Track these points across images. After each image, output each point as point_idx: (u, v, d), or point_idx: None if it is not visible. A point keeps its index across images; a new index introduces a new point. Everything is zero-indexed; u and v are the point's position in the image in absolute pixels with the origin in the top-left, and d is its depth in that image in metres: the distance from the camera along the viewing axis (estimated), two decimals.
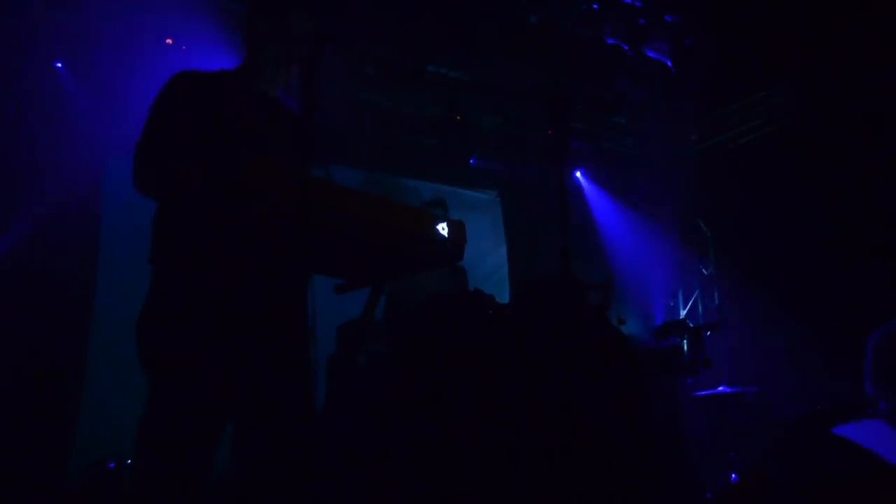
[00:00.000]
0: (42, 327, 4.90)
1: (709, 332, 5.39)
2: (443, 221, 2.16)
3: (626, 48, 6.22)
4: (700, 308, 7.85)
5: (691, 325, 4.96)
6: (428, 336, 2.73)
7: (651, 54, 6.46)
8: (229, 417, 2.12)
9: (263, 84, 2.38)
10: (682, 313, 7.83)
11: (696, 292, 7.90)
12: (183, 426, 2.00)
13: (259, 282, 2.12)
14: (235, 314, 2.07)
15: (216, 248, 2.05)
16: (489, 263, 7.37)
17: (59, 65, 5.49)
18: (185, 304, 2.04)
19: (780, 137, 7.10)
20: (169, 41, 5.58)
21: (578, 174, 8.03)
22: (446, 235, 2.15)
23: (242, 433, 2.13)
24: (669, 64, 6.50)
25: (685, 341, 5.90)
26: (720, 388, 5.90)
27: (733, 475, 5.74)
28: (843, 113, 6.41)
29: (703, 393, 6.10)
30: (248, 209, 1.87)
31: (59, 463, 4.82)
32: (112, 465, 4.56)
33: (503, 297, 6.77)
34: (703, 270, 7.89)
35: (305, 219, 1.85)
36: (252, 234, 2.02)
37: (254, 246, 2.08)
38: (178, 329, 2.04)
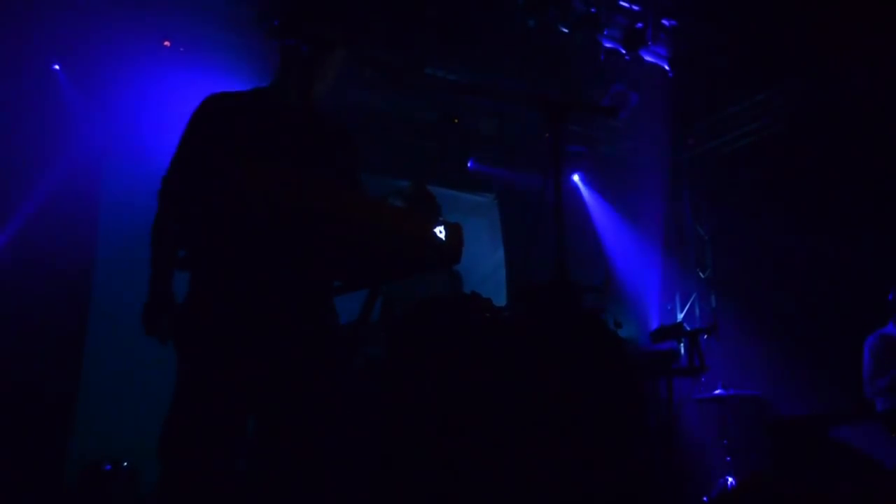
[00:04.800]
0: (38, 329, 4.90)
1: (705, 336, 5.39)
2: (440, 224, 2.17)
3: (624, 52, 6.23)
4: (697, 311, 7.86)
5: (688, 329, 4.97)
6: (424, 339, 2.73)
7: (648, 58, 6.47)
8: (251, 411, 2.20)
9: (294, 101, 2.42)
10: (679, 316, 7.84)
11: (693, 295, 7.91)
12: (207, 419, 2.08)
13: (284, 282, 2.22)
14: (261, 312, 2.16)
15: (243, 253, 2.14)
16: (487, 266, 7.38)
17: (57, 66, 5.50)
18: (213, 301, 2.16)
19: (778, 141, 7.11)
20: (167, 43, 5.59)
21: (576, 177, 8.05)
22: (443, 238, 2.16)
23: (263, 428, 2.21)
24: (667, 68, 6.51)
25: (682, 345, 5.90)
26: (717, 391, 5.91)
27: (730, 479, 5.75)
28: (840, 116, 6.43)
29: (701, 396, 6.12)
30: (278, 221, 1.92)
31: (56, 464, 4.81)
32: (108, 466, 4.56)
33: (500, 299, 6.77)
34: (700, 274, 7.90)
35: (306, 220, 1.89)
36: (279, 238, 2.08)
37: (281, 249, 2.15)
38: (206, 322, 2.15)
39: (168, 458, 2.07)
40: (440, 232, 2.16)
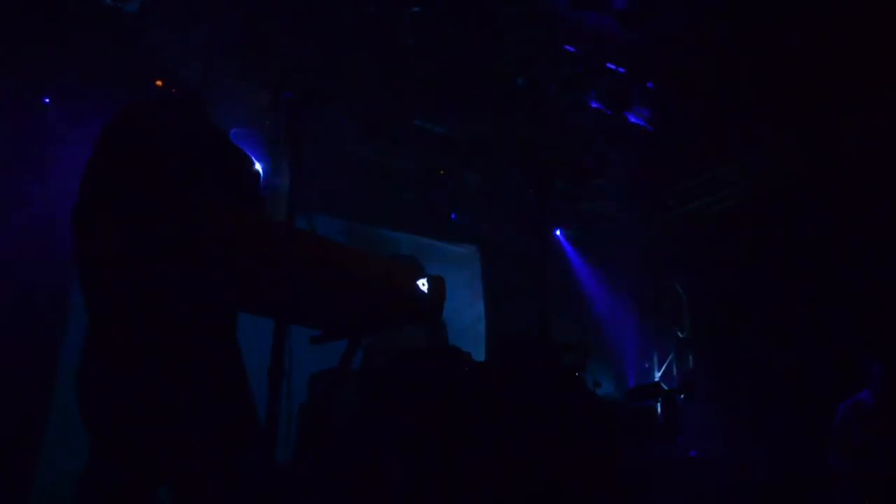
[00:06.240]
0: (9, 364, 4.79)
1: (682, 396, 5.39)
2: (423, 277, 2.17)
3: (609, 112, 6.36)
4: (674, 371, 7.86)
5: (665, 388, 4.96)
6: (401, 389, 2.72)
7: (632, 119, 6.61)
8: (164, 479, 2.06)
9: (218, 121, 2.39)
10: (657, 376, 7.83)
11: (671, 355, 7.92)
12: (115, 487, 1.98)
13: (195, 337, 2.07)
14: (172, 373, 2.01)
15: (158, 301, 2.03)
16: (466, 317, 7.37)
17: (47, 100, 5.51)
18: (119, 363, 1.97)
19: (757, 204, 7.22)
20: (159, 83, 5.61)
21: (558, 232, 8.12)
22: (426, 292, 2.16)
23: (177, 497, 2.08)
24: (650, 130, 6.64)
25: (659, 404, 5.89)
26: (693, 452, 5.88)
27: None
28: (822, 180, 6.52)
29: (676, 456, 6.07)
30: (209, 254, 1.87)
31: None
32: None
33: (479, 351, 6.74)
34: (679, 333, 7.92)
35: (282, 266, 1.88)
36: (195, 285, 2.00)
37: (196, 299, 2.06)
38: (113, 393, 1.99)
39: None
40: (423, 285, 2.16)
